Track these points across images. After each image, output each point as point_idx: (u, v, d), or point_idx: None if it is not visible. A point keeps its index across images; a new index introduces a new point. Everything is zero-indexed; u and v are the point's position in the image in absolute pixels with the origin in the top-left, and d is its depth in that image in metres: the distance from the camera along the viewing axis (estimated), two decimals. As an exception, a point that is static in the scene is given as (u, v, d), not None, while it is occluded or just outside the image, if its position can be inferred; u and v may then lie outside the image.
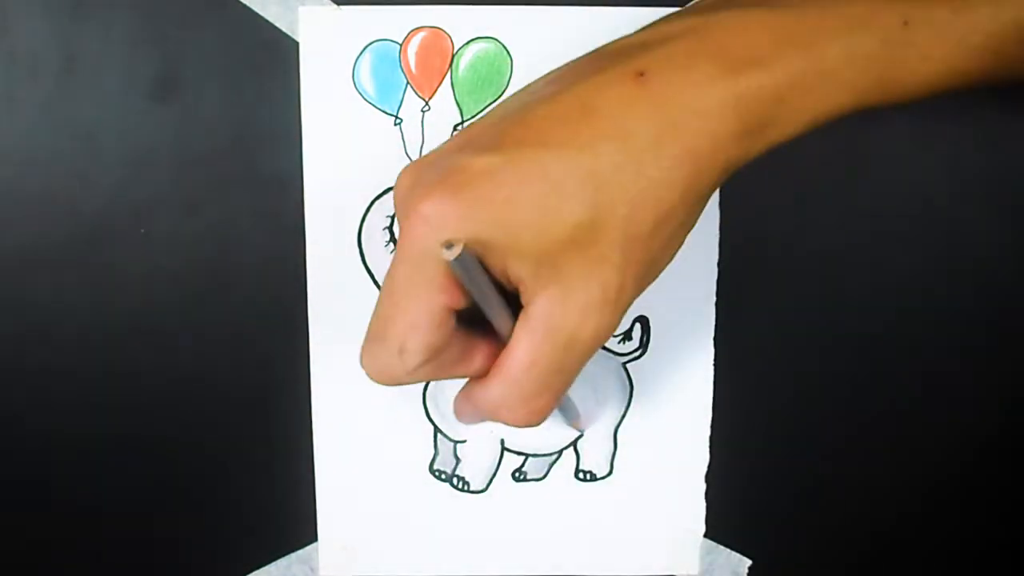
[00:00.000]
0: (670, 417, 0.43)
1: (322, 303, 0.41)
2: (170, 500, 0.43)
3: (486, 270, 0.29)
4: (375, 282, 0.41)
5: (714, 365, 0.42)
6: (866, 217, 0.42)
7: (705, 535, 0.44)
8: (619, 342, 0.42)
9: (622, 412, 0.43)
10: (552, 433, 0.43)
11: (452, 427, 0.43)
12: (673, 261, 0.42)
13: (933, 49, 0.30)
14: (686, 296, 0.42)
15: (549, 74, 0.31)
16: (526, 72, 0.40)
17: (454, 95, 0.40)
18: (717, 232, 0.41)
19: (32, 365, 0.42)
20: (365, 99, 0.40)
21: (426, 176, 0.29)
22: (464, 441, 0.43)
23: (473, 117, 0.40)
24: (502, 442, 0.43)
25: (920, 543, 0.45)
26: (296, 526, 0.43)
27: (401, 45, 0.40)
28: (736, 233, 0.41)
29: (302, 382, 0.42)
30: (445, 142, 0.31)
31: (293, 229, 0.41)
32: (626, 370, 0.42)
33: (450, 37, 0.40)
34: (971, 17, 0.30)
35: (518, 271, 0.29)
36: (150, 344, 0.41)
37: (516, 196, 0.28)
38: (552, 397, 0.31)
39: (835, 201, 0.42)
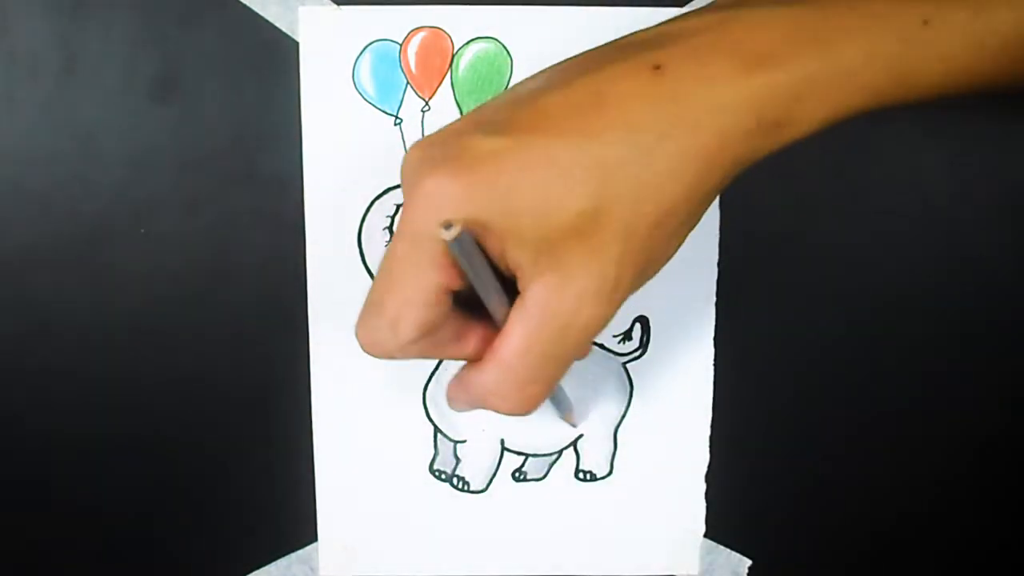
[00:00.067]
0: (670, 417, 0.43)
1: (322, 303, 0.41)
2: (170, 500, 0.43)
3: (484, 253, 0.29)
4: (375, 282, 0.41)
5: (714, 365, 0.42)
6: (866, 217, 0.42)
7: (705, 535, 0.44)
8: (619, 342, 0.42)
9: (622, 412, 0.43)
10: (552, 433, 0.43)
11: (452, 427, 0.43)
12: (673, 261, 0.42)
13: (951, 50, 0.30)
14: (686, 296, 0.42)
15: (563, 62, 0.31)
16: (526, 72, 0.40)
17: (454, 95, 0.40)
18: (717, 232, 0.41)
19: (32, 365, 0.42)
20: (365, 99, 0.40)
21: (432, 154, 0.29)
22: (464, 441, 0.43)
23: (473, 117, 0.40)
24: (502, 442, 0.43)
25: (920, 543, 0.45)
26: (296, 526, 0.43)
27: (401, 45, 0.40)
28: (736, 233, 0.41)
29: (302, 382, 0.42)
30: (455, 120, 0.30)
31: (293, 229, 0.41)
32: (626, 370, 0.42)
33: (450, 37, 0.40)
34: (990, 19, 0.30)
35: (517, 256, 0.29)
36: (150, 344, 0.41)
37: (520, 181, 0.28)
38: (544, 386, 0.31)
39: (835, 201, 0.42)
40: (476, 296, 0.30)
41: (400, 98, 0.40)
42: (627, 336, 0.42)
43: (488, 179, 0.28)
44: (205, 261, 0.41)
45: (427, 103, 0.40)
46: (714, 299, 0.42)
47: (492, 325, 0.31)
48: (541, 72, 0.31)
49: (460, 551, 0.44)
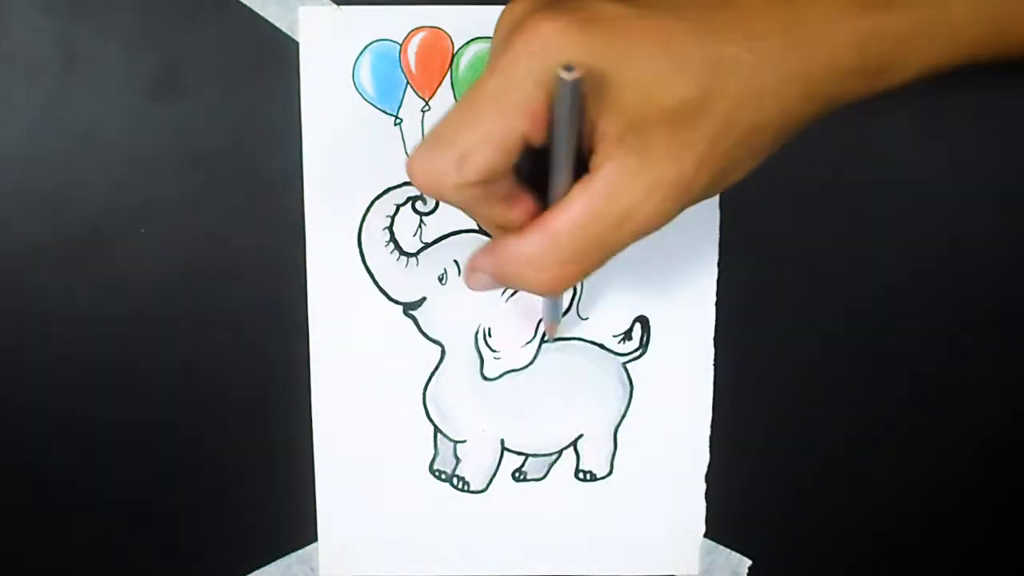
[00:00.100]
0: (670, 417, 0.43)
1: (322, 303, 0.41)
2: (170, 500, 0.43)
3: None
4: (375, 282, 0.41)
5: (714, 365, 0.42)
6: (866, 217, 0.42)
7: (705, 535, 0.44)
8: (619, 342, 0.42)
9: (622, 412, 0.43)
10: (552, 433, 0.43)
11: (452, 427, 0.43)
12: (673, 261, 0.42)
13: None
14: (686, 296, 0.42)
15: None
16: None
17: (454, 95, 0.40)
18: (717, 232, 0.41)
19: (32, 365, 0.42)
20: (365, 99, 0.40)
21: (549, 6, 0.28)
22: (464, 441, 0.43)
23: (473, 117, 0.40)
24: (502, 442, 0.43)
25: (920, 543, 0.45)
26: (296, 526, 0.43)
27: (401, 45, 0.40)
28: (736, 233, 0.41)
29: (302, 382, 0.42)
30: None
31: (293, 229, 0.41)
32: (626, 370, 0.42)
33: (450, 37, 0.40)
34: None
35: (607, 126, 0.28)
36: (150, 344, 0.41)
37: (637, 50, 0.28)
38: (582, 270, 0.30)
39: (835, 201, 0.42)
40: (539, 167, 0.30)
41: (400, 98, 0.40)
42: (627, 336, 0.42)
43: (608, 38, 0.28)
44: (205, 261, 0.41)
45: (427, 103, 0.40)
46: (714, 299, 0.42)
47: (543, 200, 0.31)
48: None
49: (460, 551, 0.44)
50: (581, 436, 0.43)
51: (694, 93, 0.28)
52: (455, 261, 0.41)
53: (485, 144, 0.29)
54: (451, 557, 0.44)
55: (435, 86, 0.40)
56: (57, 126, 0.40)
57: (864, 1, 0.29)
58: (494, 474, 0.43)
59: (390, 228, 0.41)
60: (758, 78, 0.29)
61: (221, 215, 0.41)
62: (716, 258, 0.42)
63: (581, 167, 0.29)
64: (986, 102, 0.41)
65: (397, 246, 0.41)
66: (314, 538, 0.43)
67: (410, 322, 0.42)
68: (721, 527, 0.44)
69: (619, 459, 0.43)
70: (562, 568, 0.44)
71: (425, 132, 0.40)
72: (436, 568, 0.44)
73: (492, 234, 0.34)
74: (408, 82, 0.40)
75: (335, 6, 0.39)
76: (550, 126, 0.29)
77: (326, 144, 0.40)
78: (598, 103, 0.28)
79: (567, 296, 0.41)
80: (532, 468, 0.43)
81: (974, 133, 0.41)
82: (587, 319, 0.42)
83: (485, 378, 0.42)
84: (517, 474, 0.43)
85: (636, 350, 0.42)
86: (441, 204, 0.41)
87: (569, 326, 0.42)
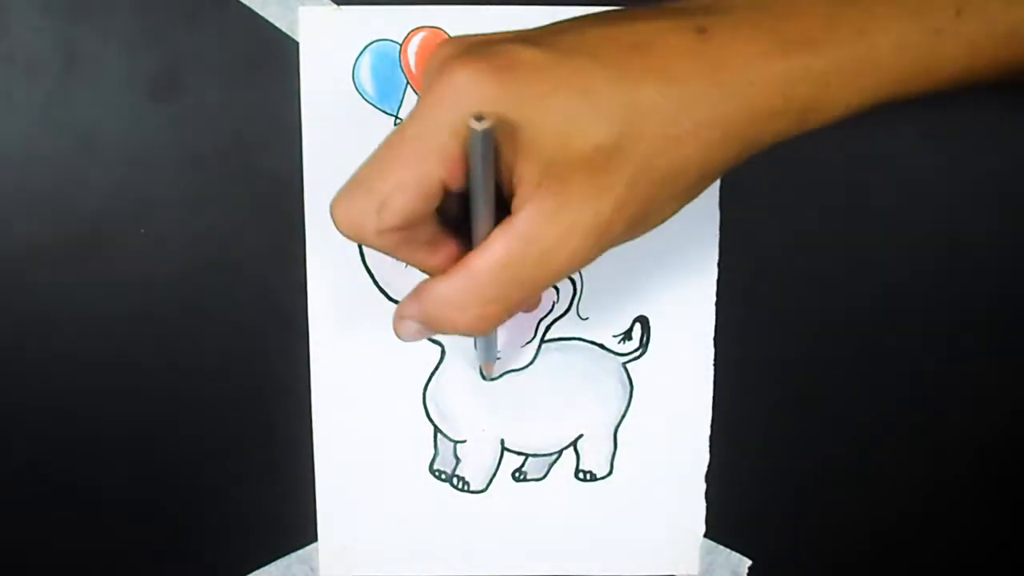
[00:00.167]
0: (670, 417, 0.43)
1: (322, 303, 0.41)
2: (170, 500, 0.43)
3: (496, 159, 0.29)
4: (375, 282, 0.41)
5: (714, 365, 0.42)
6: (866, 217, 0.42)
7: (705, 535, 0.44)
8: (619, 342, 0.42)
9: (622, 412, 0.43)
10: (552, 433, 0.43)
11: (452, 427, 0.43)
12: (673, 261, 0.42)
13: (981, 39, 0.30)
14: (686, 296, 0.42)
15: (607, 10, 0.31)
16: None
17: (454, 95, 0.40)
18: (717, 232, 0.41)
19: (32, 365, 0.42)
20: (365, 99, 0.40)
21: (469, 50, 0.29)
22: (464, 441, 0.43)
23: (473, 117, 0.40)
24: (502, 442, 0.43)
25: (920, 543, 0.45)
26: (296, 526, 0.43)
27: (401, 45, 0.40)
28: (736, 233, 0.41)
29: (302, 382, 0.42)
30: (493, 34, 0.30)
31: (293, 229, 0.41)
32: (626, 370, 0.42)
33: (450, 37, 0.39)
34: (1023, 8, 0.30)
35: (524, 172, 0.29)
36: (150, 344, 0.41)
37: (553, 95, 0.28)
38: (504, 310, 0.30)
39: (835, 201, 0.42)
40: (460, 212, 0.30)
41: (400, 98, 0.40)
42: (627, 336, 0.42)
43: (524, 84, 0.28)
44: (205, 261, 0.41)
45: (427, 103, 0.40)
46: (714, 299, 0.42)
47: (465, 245, 0.31)
48: (581, 16, 0.31)
49: (460, 551, 0.44)
50: (581, 436, 0.43)
51: (610, 138, 0.28)
52: (455, 261, 0.41)
53: (403, 190, 0.29)
54: (451, 557, 0.44)
55: (435, 86, 0.40)
56: (57, 126, 0.40)
57: (786, 43, 0.29)
58: (494, 474, 0.43)
59: (390, 228, 0.41)
60: (676, 123, 0.29)
61: (221, 215, 0.41)
62: (716, 258, 0.42)
63: (504, 209, 0.30)
64: (987, 102, 0.41)
65: (397, 246, 0.41)
66: (314, 538, 0.43)
67: (410, 322, 0.42)
68: (721, 527, 0.44)
69: (619, 459, 0.43)
70: (562, 568, 0.44)
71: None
72: (436, 568, 0.44)
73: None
74: (408, 82, 0.40)
75: (335, 6, 0.39)
76: (467, 172, 0.29)
77: (326, 144, 0.40)
78: (514, 148, 0.28)
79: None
80: (532, 468, 0.43)
81: (974, 133, 0.41)
82: (587, 319, 0.42)
83: (485, 378, 0.42)
84: (517, 474, 0.43)
85: (636, 350, 0.42)
86: (441, 204, 0.41)
87: (569, 326, 0.42)
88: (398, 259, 0.32)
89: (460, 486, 0.43)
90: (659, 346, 0.42)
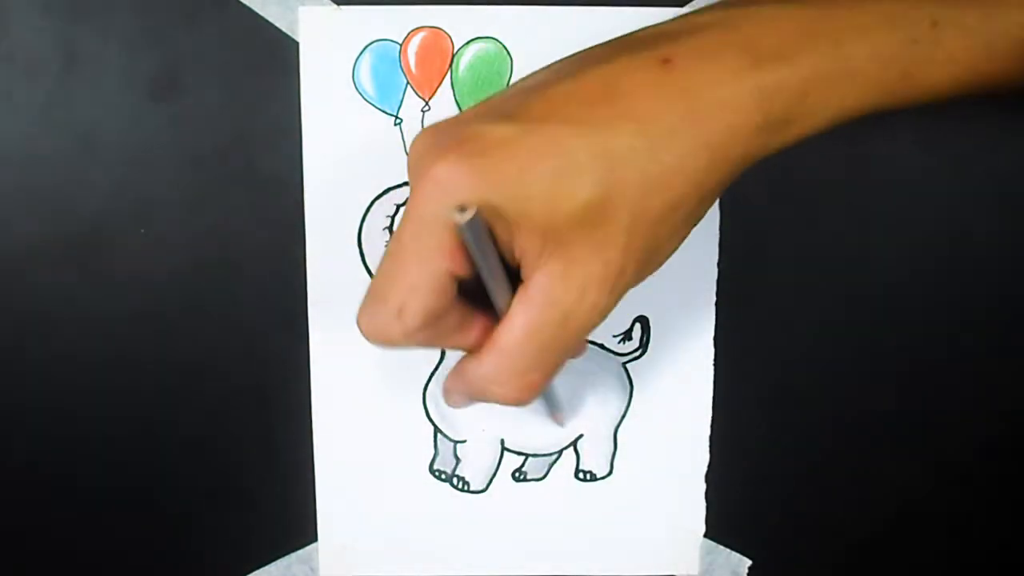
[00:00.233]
0: (670, 417, 0.43)
1: (322, 303, 0.41)
2: (170, 500, 0.43)
3: (493, 239, 0.29)
4: (375, 282, 0.41)
5: (714, 365, 0.42)
6: (866, 217, 0.42)
7: (705, 535, 0.44)
8: (619, 342, 0.42)
9: (622, 412, 0.43)
10: (552, 433, 0.43)
11: (452, 427, 0.43)
12: (673, 261, 0.42)
13: (959, 51, 0.30)
14: (686, 296, 0.42)
15: (572, 55, 0.31)
16: (526, 72, 0.40)
17: (454, 95, 0.40)
18: (717, 232, 0.41)
19: (32, 365, 0.42)
20: (365, 99, 0.40)
21: (442, 140, 0.29)
22: (464, 441, 0.43)
23: (473, 117, 0.40)
24: (502, 442, 0.43)
25: (920, 543, 0.45)
26: (296, 526, 0.43)
27: (401, 45, 0.40)
28: (736, 233, 0.41)
29: (302, 382, 0.42)
30: (464, 110, 0.30)
31: (293, 229, 0.41)
32: (626, 370, 0.42)
33: (450, 37, 0.40)
34: (1001, 22, 0.30)
35: (524, 243, 0.29)
36: (150, 344, 0.41)
37: (530, 167, 0.28)
38: (543, 375, 0.31)
39: (835, 201, 0.42)
40: (481, 286, 0.30)
41: (400, 98, 0.40)
42: (627, 336, 0.42)
43: (499, 165, 0.28)
44: (205, 261, 0.41)
45: (427, 103, 0.40)
46: (714, 299, 0.42)
47: (494, 316, 0.31)
48: (549, 65, 0.31)
49: (460, 551, 0.44)
50: (581, 436, 0.43)
51: (596, 194, 0.28)
52: (455, 261, 0.41)
53: (415, 293, 0.29)
54: (451, 557, 0.44)
55: (435, 86, 0.40)
56: (57, 126, 0.40)
57: (758, 58, 0.29)
58: (494, 474, 0.43)
59: (390, 228, 0.41)
60: (657, 160, 0.29)
61: (221, 215, 0.41)
62: (716, 258, 0.42)
63: (518, 280, 0.30)
64: (987, 103, 0.41)
65: (397, 246, 0.41)
66: (314, 538, 0.43)
67: (410, 322, 0.41)
68: (721, 527, 0.44)
69: (619, 459, 0.43)
70: (562, 568, 0.44)
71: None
72: (436, 568, 0.44)
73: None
74: (408, 82, 0.40)
75: (335, 6, 0.39)
76: (471, 259, 0.29)
77: (326, 144, 0.40)
78: (508, 226, 0.29)
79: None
80: (532, 468, 0.43)
81: (975, 134, 0.41)
82: (587, 319, 0.42)
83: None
84: (517, 474, 0.43)
85: (636, 350, 0.42)
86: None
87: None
88: (436, 348, 0.32)
89: (460, 486, 0.43)
90: (659, 346, 0.42)
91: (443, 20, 0.39)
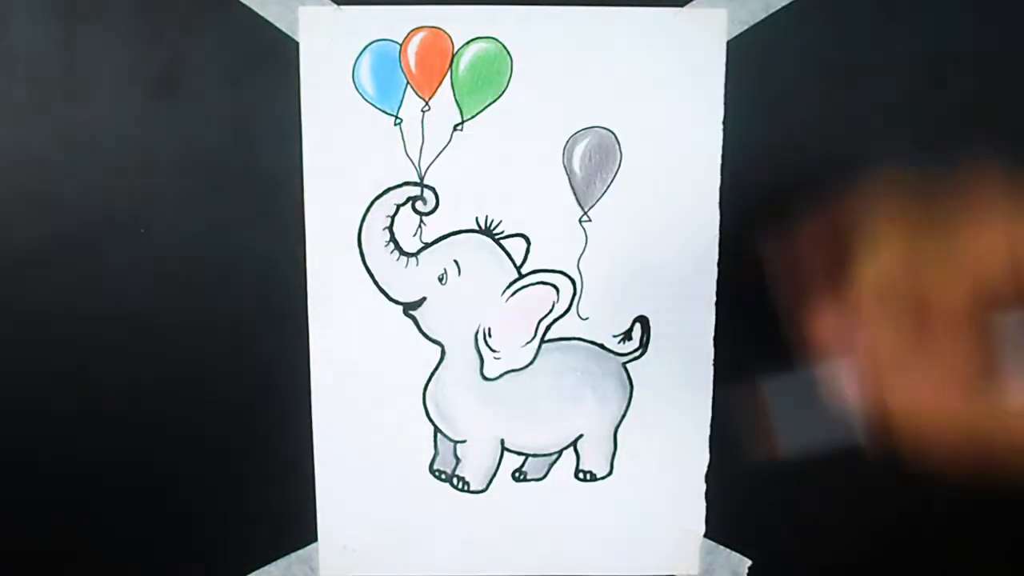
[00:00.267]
0: (670, 417, 0.43)
1: (322, 303, 0.41)
2: (171, 501, 0.43)
3: None
4: (375, 282, 0.41)
5: (714, 365, 0.42)
6: (866, 217, 0.42)
7: (705, 535, 0.44)
8: (619, 342, 0.42)
9: (622, 412, 0.43)
10: (552, 433, 0.43)
11: (452, 427, 0.43)
12: (673, 261, 0.42)
13: None
14: (686, 296, 0.42)
15: None
16: (526, 72, 0.40)
17: (454, 95, 0.40)
18: (717, 232, 0.41)
19: (32, 365, 0.42)
20: (365, 99, 0.40)
21: None
22: (464, 441, 0.43)
23: (473, 117, 0.40)
24: (502, 442, 0.43)
25: (919, 543, 0.45)
26: (296, 526, 0.43)
27: (401, 45, 0.40)
28: (736, 233, 0.41)
29: (302, 382, 0.42)
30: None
31: (293, 229, 0.41)
32: (626, 370, 0.42)
33: (450, 37, 0.40)
34: None
35: None
36: (150, 344, 0.41)
37: None
38: None
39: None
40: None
41: (400, 98, 0.40)
42: (627, 336, 0.42)
43: None
44: (205, 261, 0.41)
45: (427, 103, 0.40)
46: (714, 299, 0.42)
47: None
48: None
49: (460, 551, 0.44)
50: (581, 436, 0.43)
51: None
52: (455, 261, 0.41)
53: None
54: (451, 557, 0.44)
55: (435, 86, 0.40)
56: (57, 126, 0.40)
57: None
58: (494, 474, 0.43)
59: (390, 228, 0.41)
60: None
61: (221, 215, 0.41)
62: (716, 258, 0.42)
63: None
64: (987, 103, 0.41)
65: (397, 246, 0.41)
66: (314, 538, 0.43)
67: (410, 322, 0.42)
68: (721, 527, 0.44)
69: (619, 459, 0.43)
70: (562, 568, 0.44)
71: (425, 132, 0.40)
72: (436, 568, 0.44)
73: None
74: (408, 82, 0.40)
75: (335, 6, 0.39)
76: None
77: (326, 144, 0.40)
78: None
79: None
80: (532, 468, 0.43)
81: (974, 134, 0.41)
82: (587, 319, 0.42)
83: (485, 378, 0.42)
84: (517, 474, 0.43)
85: (636, 350, 0.42)
86: (441, 204, 0.41)
87: (569, 326, 0.42)
88: None
89: (460, 486, 0.43)
90: (659, 346, 0.42)
91: (443, 20, 0.39)
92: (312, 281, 0.41)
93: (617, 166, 0.40)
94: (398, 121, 0.40)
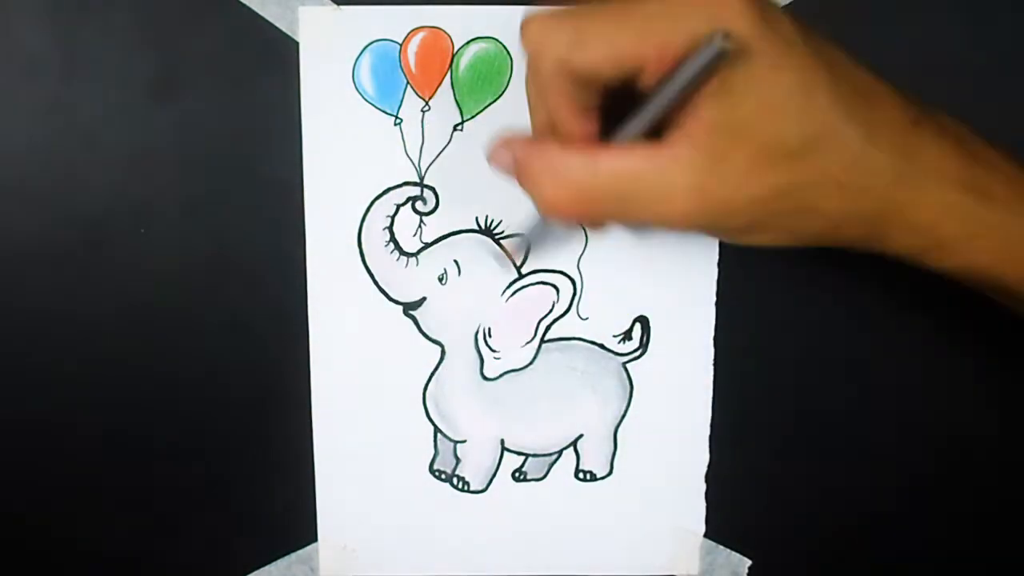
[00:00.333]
0: (670, 417, 0.43)
1: (322, 303, 0.41)
2: (171, 500, 0.43)
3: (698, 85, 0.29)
4: (375, 282, 0.41)
5: (714, 365, 0.42)
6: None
7: (705, 535, 0.44)
8: (619, 342, 0.42)
9: (622, 412, 0.43)
10: (552, 433, 0.43)
11: (452, 427, 0.43)
12: (673, 261, 0.42)
13: None
14: (686, 296, 0.42)
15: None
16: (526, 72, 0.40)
17: (454, 95, 0.40)
18: (717, 232, 0.41)
19: (32, 365, 0.42)
20: (365, 99, 0.40)
21: None
22: (464, 441, 0.43)
23: (473, 117, 0.40)
24: (502, 442, 0.43)
25: (920, 543, 0.45)
26: (296, 526, 0.43)
27: (401, 45, 0.40)
28: (736, 233, 0.41)
29: (302, 382, 0.42)
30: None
31: (293, 229, 0.41)
32: (626, 370, 0.42)
33: (450, 37, 0.40)
34: None
35: (709, 113, 0.29)
36: (150, 344, 0.41)
37: (791, 73, 0.29)
38: (588, 212, 0.31)
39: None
40: (615, 111, 0.30)
41: (400, 98, 0.40)
42: (627, 336, 0.42)
43: (780, 44, 0.29)
44: (205, 261, 0.41)
45: (427, 103, 0.40)
46: (714, 299, 0.42)
47: (595, 132, 0.31)
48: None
49: (460, 551, 0.44)
50: (581, 436, 0.43)
51: (796, 143, 0.29)
52: (455, 261, 0.41)
53: (608, 45, 0.29)
54: (451, 557, 0.44)
55: (435, 86, 0.40)
56: (57, 126, 0.40)
57: (977, 191, 0.31)
58: (494, 474, 0.43)
59: (390, 228, 0.41)
60: (853, 172, 0.30)
61: (221, 215, 0.41)
62: (716, 258, 0.42)
63: (652, 130, 0.30)
64: (987, 103, 0.41)
65: (397, 246, 0.41)
66: (314, 538, 0.43)
67: (410, 322, 0.42)
68: (721, 527, 0.44)
69: (619, 459, 0.43)
70: (562, 568, 0.44)
71: (425, 132, 0.40)
72: (436, 568, 0.44)
73: (536, 134, 0.34)
74: (408, 82, 0.40)
75: (335, 6, 0.39)
76: (665, 76, 0.29)
77: (326, 144, 0.40)
78: (719, 87, 0.29)
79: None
80: (532, 468, 0.43)
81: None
82: (587, 319, 0.42)
83: (485, 378, 0.42)
84: (517, 474, 0.43)
85: (636, 350, 0.42)
86: (441, 204, 0.41)
87: (569, 326, 0.42)
88: (542, 104, 0.32)
89: (460, 486, 0.43)
90: (659, 346, 0.42)
91: (443, 20, 0.39)
92: (312, 281, 0.41)
93: (617, 166, 0.40)
94: (398, 121, 0.40)
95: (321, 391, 0.42)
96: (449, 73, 0.40)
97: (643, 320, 0.42)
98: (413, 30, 0.39)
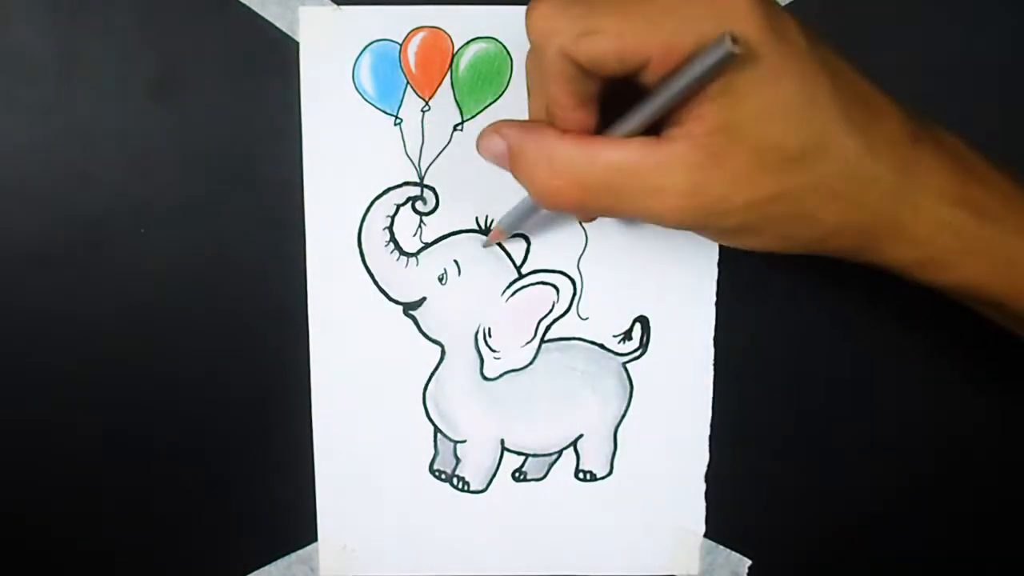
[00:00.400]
0: (670, 417, 0.43)
1: (322, 303, 0.41)
2: (170, 500, 0.43)
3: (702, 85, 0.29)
4: (375, 282, 0.41)
5: (714, 365, 0.42)
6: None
7: (705, 535, 0.44)
8: (619, 342, 0.42)
9: (622, 412, 0.43)
10: (552, 433, 0.43)
11: (452, 427, 0.43)
12: (673, 261, 0.42)
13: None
14: (686, 296, 0.42)
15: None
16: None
17: (454, 95, 0.40)
18: (717, 232, 0.41)
19: (32, 365, 0.42)
20: (365, 99, 0.40)
21: None
22: (464, 441, 0.43)
23: (473, 117, 0.40)
24: (502, 442, 0.43)
25: (920, 543, 0.45)
26: (296, 526, 0.43)
27: (401, 45, 0.40)
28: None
29: (302, 382, 0.42)
30: None
31: (293, 229, 0.41)
32: (626, 370, 0.42)
33: (450, 37, 0.40)
34: None
35: (710, 113, 0.29)
36: (150, 344, 0.41)
37: (792, 80, 0.29)
38: (581, 202, 0.31)
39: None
40: (616, 101, 0.30)
41: (400, 98, 0.40)
42: (627, 336, 0.42)
43: (786, 45, 0.29)
44: (205, 261, 0.41)
45: (427, 103, 0.40)
46: (714, 299, 0.42)
47: (594, 124, 0.31)
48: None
49: (460, 551, 0.44)
50: (581, 436, 0.43)
51: (795, 149, 0.29)
52: (455, 261, 0.41)
53: (615, 39, 0.29)
54: (451, 557, 0.44)
55: (435, 86, 0.40)
56: (57, 126, 0.40)
57: (972, 207, 0.31)
58: (494, 474, 0.43)
59: (390, 228, 0.41)
60: (850, 183, 0.30)
61: (221, 215, 0.41)
62: (716, 258, 0.42)
63: (651, 126, 0.30)
64: (987, 103, 0.41)
65: (397, 246, 0.41)
66: (314, 538, 0.43)
67: (410, 322, 0.42)
68: (721, 527, 0.44)
69: (619, 459, 0.43)
70: (562, 568, 0.44)
71: (425, 132, 0.40)
72: (436, 568, 0.44)
73: (531, 117, 0.34)
74: (408, 82, 0.40)
75: (335, 6, 0.39)
76: (670, 73, 0.29)
77: (326, 144, 0.40)
78: (722, 88, 0.29)
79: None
80: (532, 468, 0.43)
81: (974, 135, 0.41)
82: (587, 319, 0.42)
83: (485, 378, 0.42)
84: (517, 474, 0.43)
85: (636, 350, 0.42)
86: (441, 204, 0.41)
87: (569, 326, 0.42)
88: (543, 91, 0.32)
89: (460, 486, 0.43)
90: (659, 346, 0.42)
91: (443, 20, 0.39)
92: (312, 281, 0.41)
93: (617, 166, 0.40)
94: (398, 121, 0.40)
95: (321, 391, 0.42)
96: (449, 73, 0.40)
97: (643, 320, 0.42)
98: (413, 30, 0.39)
